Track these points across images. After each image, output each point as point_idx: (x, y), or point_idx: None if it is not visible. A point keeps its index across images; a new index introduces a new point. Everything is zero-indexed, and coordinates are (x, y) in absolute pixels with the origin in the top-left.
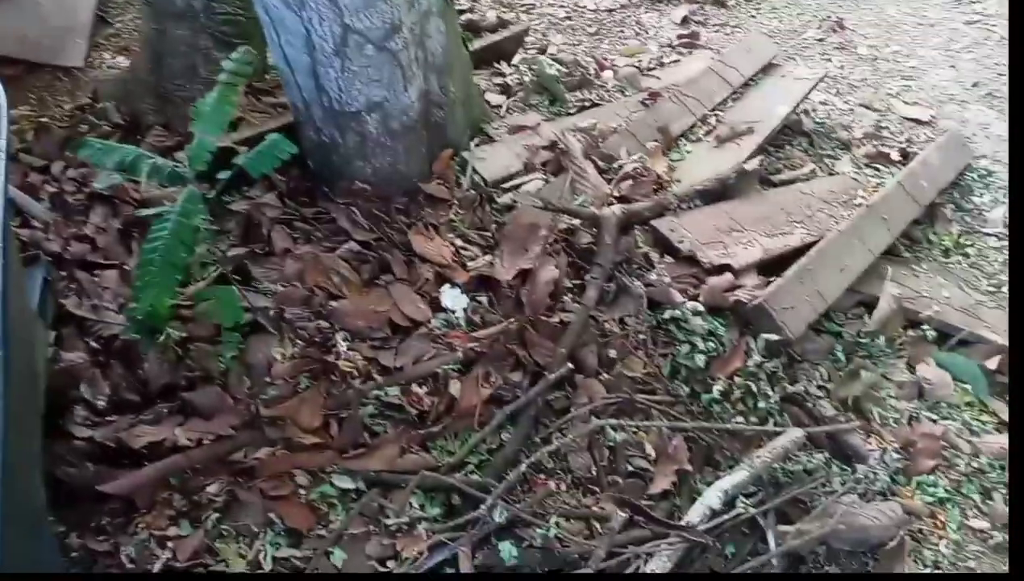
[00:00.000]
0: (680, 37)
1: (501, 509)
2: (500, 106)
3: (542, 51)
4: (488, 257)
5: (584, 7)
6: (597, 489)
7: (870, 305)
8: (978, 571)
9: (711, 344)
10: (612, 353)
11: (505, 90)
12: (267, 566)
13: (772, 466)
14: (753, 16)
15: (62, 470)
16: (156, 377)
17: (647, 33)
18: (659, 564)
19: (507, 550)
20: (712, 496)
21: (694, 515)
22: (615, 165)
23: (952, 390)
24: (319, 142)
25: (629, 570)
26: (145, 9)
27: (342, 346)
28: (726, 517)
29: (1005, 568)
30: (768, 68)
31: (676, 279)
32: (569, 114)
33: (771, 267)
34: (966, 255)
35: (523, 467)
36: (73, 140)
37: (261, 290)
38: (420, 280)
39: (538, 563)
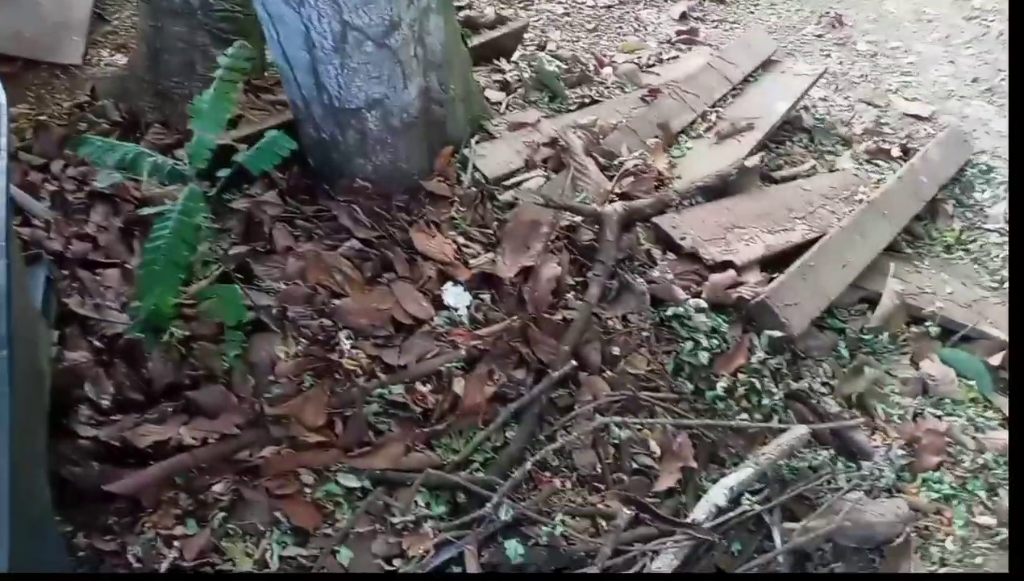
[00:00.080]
0: (679, 33)
1: (507, 507)
2: (500, 103)
3: (541, 48)
4: (490, 254)
5: (582, 3)
6: (602, 487)
7: (873, 301)
8: (984, 567)
9: (714, 341)
10: (615, 350)
11: (505, 87)
12: (274, 565)
13: (777, 463)
14: (751, 12)
15: (67, 470)
16: (160, 376)
17: (646, 29)
18: (665, 562)
19: (513, 548)
20: (718, 493)
21: (700, 513)
22: (616, 162)
23: (956, 386)
24: (319, 139)
25: (635, 568)
26: (142, 6)
27: (345, 344)
28: (732, 514)
29: None
30: (767, 64)
31: (679, 276)
32: (569, 111)
33: (773, 263)
34: (968, 251)
35: (528, 465)
36: (72, 138)
37: (263, 288)
38: (422, 278)
39: (544, 561)
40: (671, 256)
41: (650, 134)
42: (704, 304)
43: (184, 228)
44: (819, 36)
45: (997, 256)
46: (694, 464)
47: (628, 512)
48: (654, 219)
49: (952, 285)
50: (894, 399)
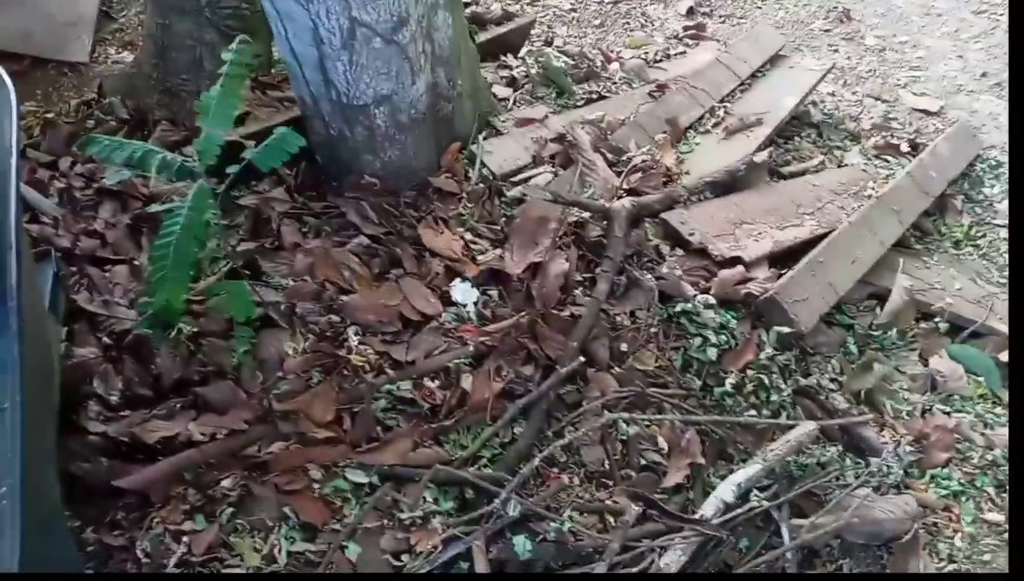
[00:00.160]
0: (686, 29)
1: (515, 503)
2: (507, 99)
3: (548, 43)
4: (498, 251)
5: None
6: (610, 483)
7: (882, 297)
8: (993, 564)
9: (723, 337)
10: (623, 347)
11: (512, 83)
12: (282, 560)
13: (785, 459)
14: (759, 7)
15: (76, 465)
16: (168, 372)
17: (653, 25)
18: (673, 558)
19: (521, 544)
20: (726, 490)
21: (708, 509)
22: (624, 158)
23: (965, 382)
24: (327, 136)
25: (643, 564)
26: (150, 3)
27: (353, 340)
28: (740, 511)
29: None
30: (775, 59)
31: (687, 272)
32: (576, 107)
33: (782, 259)
34: (977, 247)
35: (536, 461)
36: (80, 136)
37: (271, 285)
38: (430, 274)
39: (552, 557)
40: (679, 252)
41: (658, 130)
42: (713, 300)
43: (194, 224)
44: (827, 31)
45: (1006, 252)
46: (702, 460)
47: (636, 508)
48: (662, 215)
49: (961, 281)
50: (903, 395)
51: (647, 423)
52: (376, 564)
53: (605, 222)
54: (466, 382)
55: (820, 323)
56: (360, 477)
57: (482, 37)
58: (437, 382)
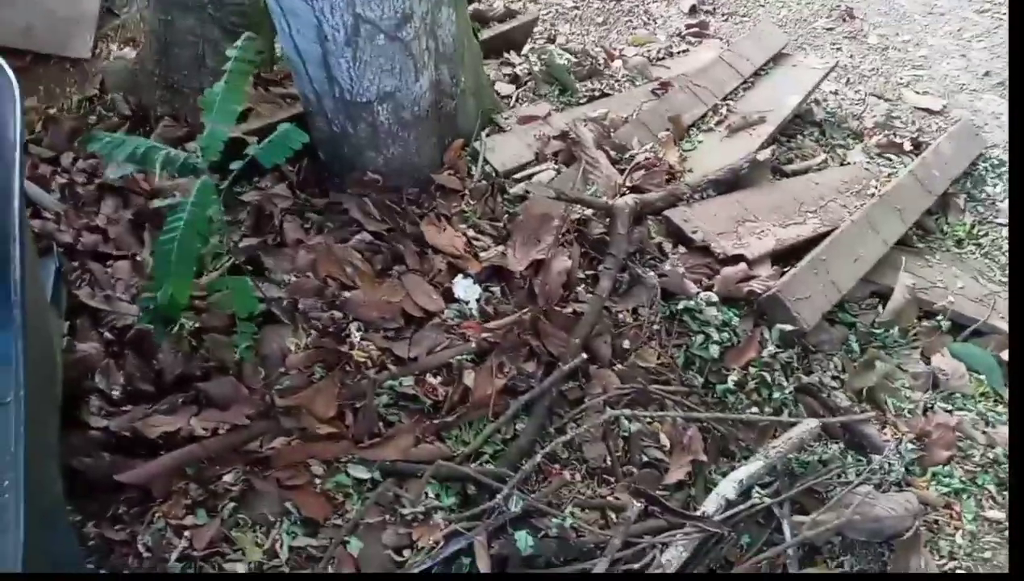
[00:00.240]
0: (689, 27)
1: (517, 499)
2: (510, 96)
3: (551, 41)
4: (500, 248)
5: None
6: (612, 479)
7: (884, 295)
8: (994, 561)
9: (725, 334)
10: (626, 344)
11: (514, 80)
12: (283, 555)
13: (787, 457)
14: (762, 5)
15: (78, 460)
16: (170, 367)
17: (655, 23)
18: (674, 554)
19: (523, 539)
20: (727, 486)
21: (709, 505)
22: (627, 155)
23: (967, 381)
24: (330, 133)
25: (644, 560)
26: (153, 0)
27: (356, 336)
28: (741, 508)
29: None
30: (778, 58)
31: (690, 269)
32: (579, 104)
33: (784, 257)
34: (979, 245)
35: (538, 457)
36: (82, 131)
37: (274, 281)
38: (433, 271)
39: (554, 552)
40: (682, 249)
41: (661, 127)
42: (715, 298)
43: (197, 220)
44: (829, 29)
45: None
46: (704, 457)
47: (638, 504)
48: (665, 212)
49: (963, 279)
50: (904, 393)
51: (649, 420)
52: (378, 559)
53: (608, 219)
54: (468, 378)
55: (822, 321)
56: (362, 473)
57: (485, 34)
58: (439, 378)
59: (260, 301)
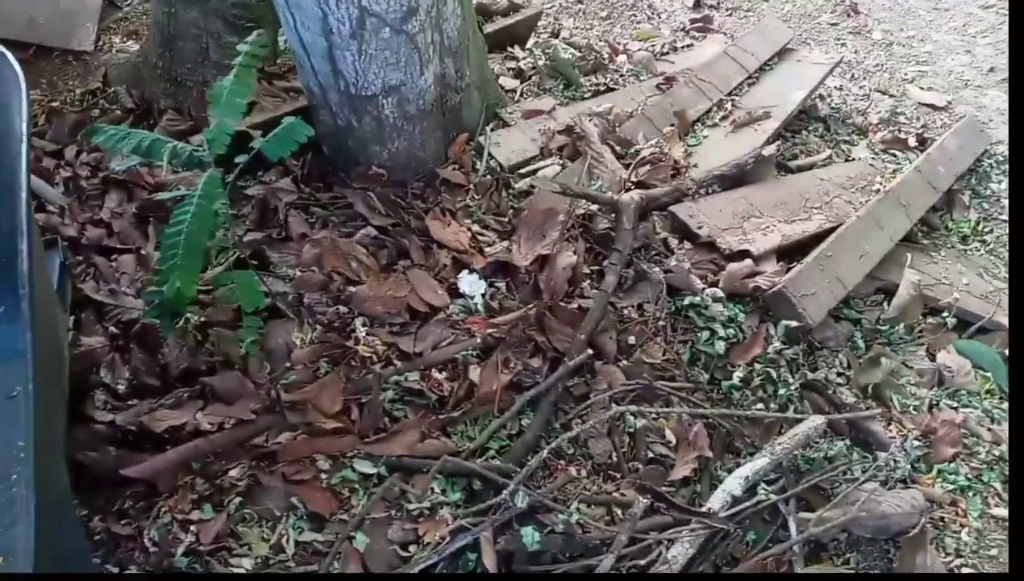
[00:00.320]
0: (693, 21)
1: (523, 494)
2: (514, 90)
3: (555, 35)
4: (505, 243)
5: None
6: (618, 475)
7: (889, 292)
8: (1000, 559)
9: (731, 331)
10: (631, 339)
11: (519, 74)
12: (290, 550)
13: (793, 453)
14: (766, 0)
15: (83, 454)
16: (176, 361)
17: (659, 17)
18: (680, 550)
19: (529, 535)
20: (733, 483)
21: (715, 502)
22: (632, 150)
23: (972, 378)
24: (335, 126)
25: (651, 556)
26: None
27: (361, 331)
28: (747, 504)
29: None
30: (783, 53)
31: (695, 265)
32: (584, 99)
33: (790, 253)
34: (984, 242)
35: (544, 453)
36: (85, 125)
37: (279, 275)
38: (438, 266)
39: (560, 548)
40: (688, 245)
41: (666, 122)
42: (721, 293)
43: (204, 213)
44: (834, 24)
45: None
46: (710, 453)
47: (643, 501)
48: (671, 208)
49: (968, 276)
50: (910, 390)
51: (654, 416)
52: (383, 555)
53: (613, 215)
54: (474, 374)
55: (828, 317)
56: (368, 468)
57: (489, 28)
58: (445, 373)
59: (265, 295)
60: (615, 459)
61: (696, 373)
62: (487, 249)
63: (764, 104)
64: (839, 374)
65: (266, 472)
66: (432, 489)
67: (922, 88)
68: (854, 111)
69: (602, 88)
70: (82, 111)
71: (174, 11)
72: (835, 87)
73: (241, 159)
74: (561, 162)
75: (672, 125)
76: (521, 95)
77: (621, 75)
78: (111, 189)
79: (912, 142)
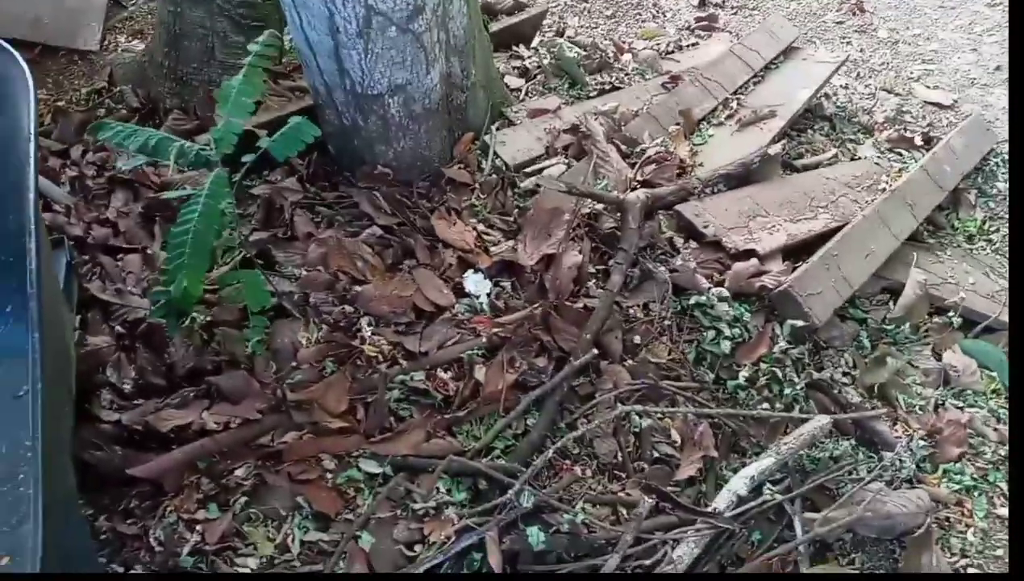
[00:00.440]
0: (698, 20)
1: (528, 494)
2: (519, 89)
3: (560, 34)
4: (511, 242)
5: None
6: (623, 475)
7: (895, 291)
8: (1006, 560)
9: (736, 330)
10: (637, 339)
11: (524, 73)
12: (295, 549)
13: (798, 453)
14: None
15: (89, 453)
16: (182, 361)
17: (664, 16)
18: (686, 550)
19: (535, 535)
20: (738, 483)
21: (721, 501)
22: (638, 149)
23: (978, 377)
24: (340, 126)
25: (656, 556)
26: None
27: (367, 331)
28: (753, 504)
29: None
30: (789, 51)
31: (701, 264)
32: (589, 97)
33: (796, 252)
34: (991, 241)
35: (549, 453)
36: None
37: (284, 274)
38: (443, 265)
39: (565, 548)
40: (693, 244)
41: (671, 121)
42: (726, 293)
43: (211, 212)
44: (839, 23)
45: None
46: (715, 453)
47: (649, 501)
48: (676, 207)
49: (974, 275)
50: (916, 390)
51: (660, 416)
52: (389, 554)
53: (619, 214)
54: (479, 373)
55: (834, 317)
56: (373, 467)
57: (494, 27)
58: (450, 373)
59: (271, 295)
60: (620, 459)
61: (702, 373)
62: (492, 248)
63: (770, 103)
64: (845, 374)
65: (272, 472)
66: (437, 489)
67: (928, 87)
68: (860, 110)
69: (607, 87)
70: (88, 110)
71: (180, 10)
72: (841, 86)
73: (248, 159)
74: (566, 161)
75: (678, 124)
76: (526, 94)
77: (626, 74)
78: (117, 188)
79: (918, 141)
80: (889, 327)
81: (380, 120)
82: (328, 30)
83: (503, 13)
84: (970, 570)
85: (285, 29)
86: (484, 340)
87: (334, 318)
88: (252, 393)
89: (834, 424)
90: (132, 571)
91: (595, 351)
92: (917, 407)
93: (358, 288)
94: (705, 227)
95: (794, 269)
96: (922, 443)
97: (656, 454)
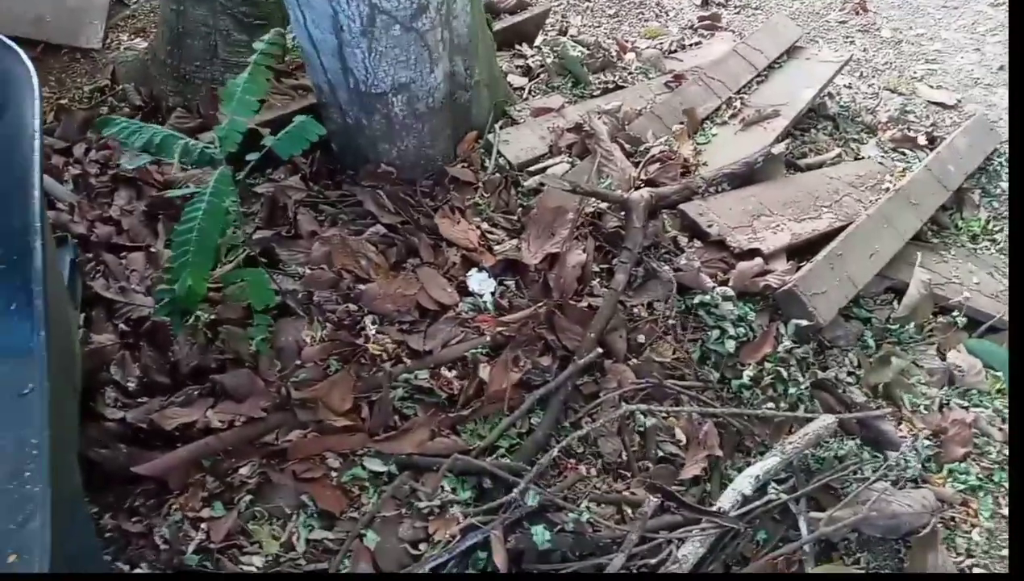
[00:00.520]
0: (701, 19)
1: (533, 493)
2: (522, 88)
3: (563, 33)
4: (515, 241)
5: None
6: (628, 474)
7: (899, 291)
8: None
9: (741, 329)
10: (641, 338)
11: (527, 72)
12: (300, 548)
13: (803, 452)
14: None
15: (94, 451)
16: (186, 359)
17: (668, 15)
18: (691, 549)
19: (540, 534)
20: (743, 482)
21: (725, 501)
22: (641, 148)
23: (983, 377)
24: (344, 124)
25: (661, 555)
26: None
27: (371, 329)
28: (757, 503)
29: None
30: (792, 51)
31: (705, 263)
32: (593, 96)
33: (800, 252)
34: (994, 241)
35: (554, 452)
36: (94, 122)
37: (288, 273)
38: (447, 264)
39: (570, 547)
40: (697, 243)
41: (675, 120)
42: (731, 292)
43: (216, 210)
44: (843, 22)
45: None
46: (720, 452)
47: (654, 500)
48: (680, 206)
49: (979, 275)
50: (920, 389)
51: (664, 415)
52: (394, 553)
53: (623, 213)
54: (483, 372)
55: (838, 316)
56: (378, 466)
57: (497, 26)
58: (454, 372)
59: (275, 293)
60: (625, 458)
61: (706, 372)
62: (496, 247)
63: (773, 102)
64: (849, 373)
65: (276, 470)
66: (442, 487)
67: (931, 86)
68: (863, 109)
69: (611, 86)
70: (90, 109)
71: (183, 8)
72: (844, 85)
73: (252, 157)
74: (570, 160)
75: (681, 123)
76: (530, 93)
77: (630, 73)
78: (120, 186)
79: (922, 140)
80: (893, 327)
81: (384, 119)
82: (332, 28)
83: (506, 12)
84: (976, 570)
85: (288, 27)
86: (488, 339)
87: (338, 316)
88: (256, 391)
89: (839, 423)
90: (137, 569)
91: (599, 350)
92: (922, 407)
93: (362, 286)
94: (709, 226)
95: (798, 268)
96: (927, 443)
97: (661, 453)
